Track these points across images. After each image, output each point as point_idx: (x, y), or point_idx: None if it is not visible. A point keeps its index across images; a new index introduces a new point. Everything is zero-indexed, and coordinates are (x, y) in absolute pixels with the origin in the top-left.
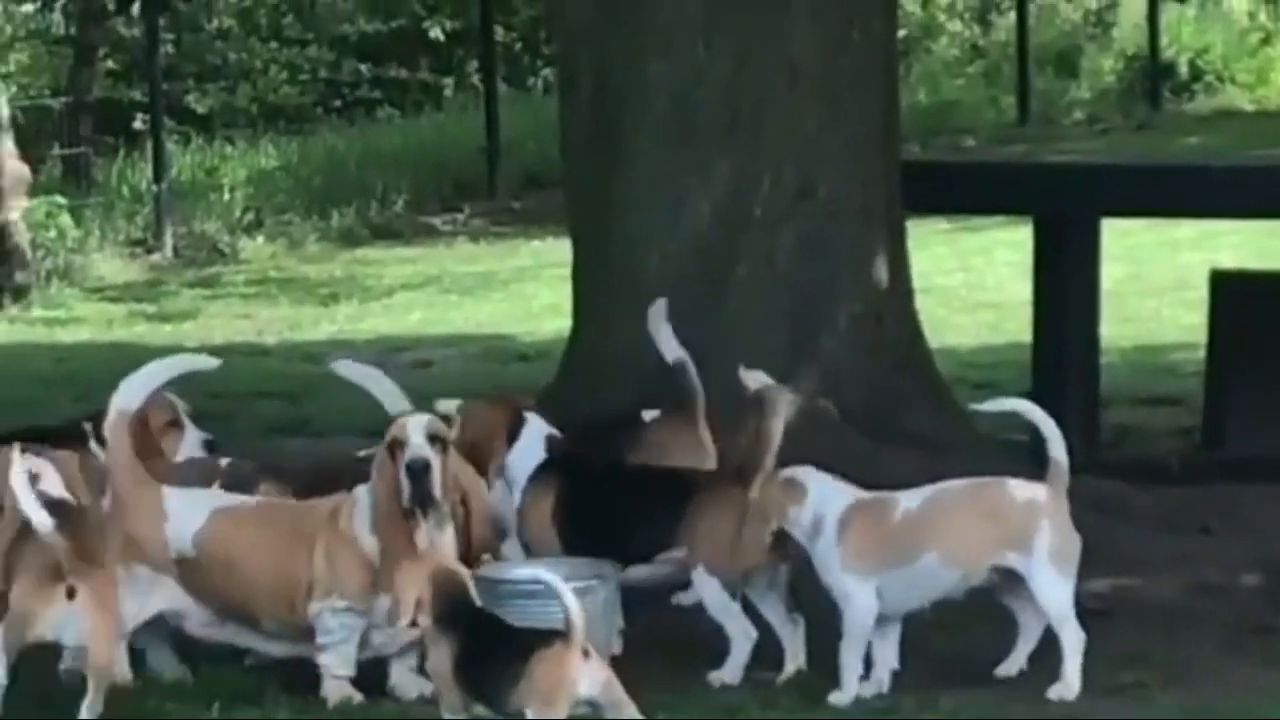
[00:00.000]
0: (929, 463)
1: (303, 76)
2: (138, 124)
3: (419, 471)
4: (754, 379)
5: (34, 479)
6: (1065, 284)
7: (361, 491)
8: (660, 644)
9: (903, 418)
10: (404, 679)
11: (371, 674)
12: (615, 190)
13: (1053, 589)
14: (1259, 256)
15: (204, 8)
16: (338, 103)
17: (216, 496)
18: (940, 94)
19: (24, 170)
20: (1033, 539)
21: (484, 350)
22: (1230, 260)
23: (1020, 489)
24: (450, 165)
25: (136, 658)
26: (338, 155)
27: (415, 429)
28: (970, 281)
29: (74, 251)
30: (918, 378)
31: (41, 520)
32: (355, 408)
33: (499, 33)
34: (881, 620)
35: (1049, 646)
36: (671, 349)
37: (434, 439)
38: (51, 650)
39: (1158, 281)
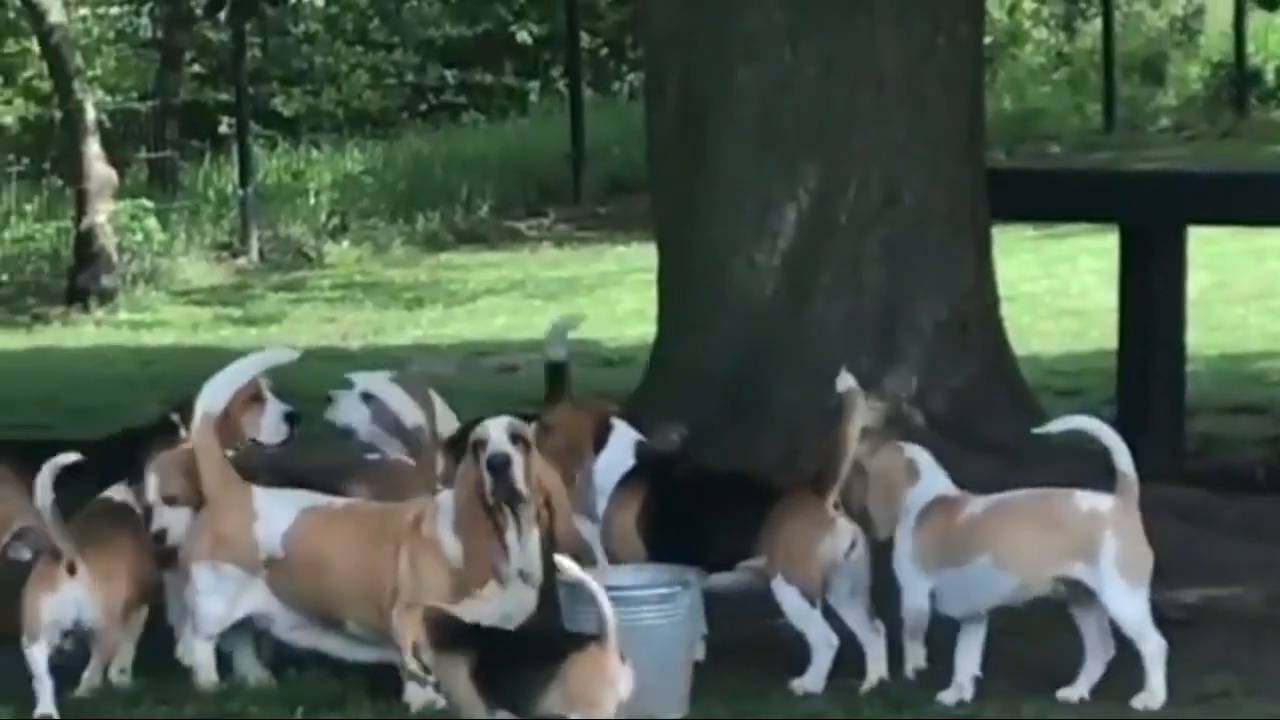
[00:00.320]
0: (1013, 471)
1: (388, 81)
2: (224, 128)
3: (500, 466)
4: (843, 382)
5: None
6: (1151, 292)
7: (445, 496)
8: (743, 651)
9: (987, 425)
10: None
11: None
12: (700, 196)
13: (1123, 600)
14: None
15: (291, 12)
16: (423, 107)
17: (305, 497)
18: (1026, 101)
19: (110, 174)
20: (1098, 551)
21: (568, 355)
22: None
23: (1085, 500)
24: (535, 170)
25: (222, 661)
26: (423, 160)
27: (496, 428)
28: (1055, 289)
29: (160, 255)
30: (1002, 385)
31: (42, 498)
32: None
33: (585, 37)
34: (963, 624)
35: (1131, 654)
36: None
37: (515, 438)
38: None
39: (1244, 289)
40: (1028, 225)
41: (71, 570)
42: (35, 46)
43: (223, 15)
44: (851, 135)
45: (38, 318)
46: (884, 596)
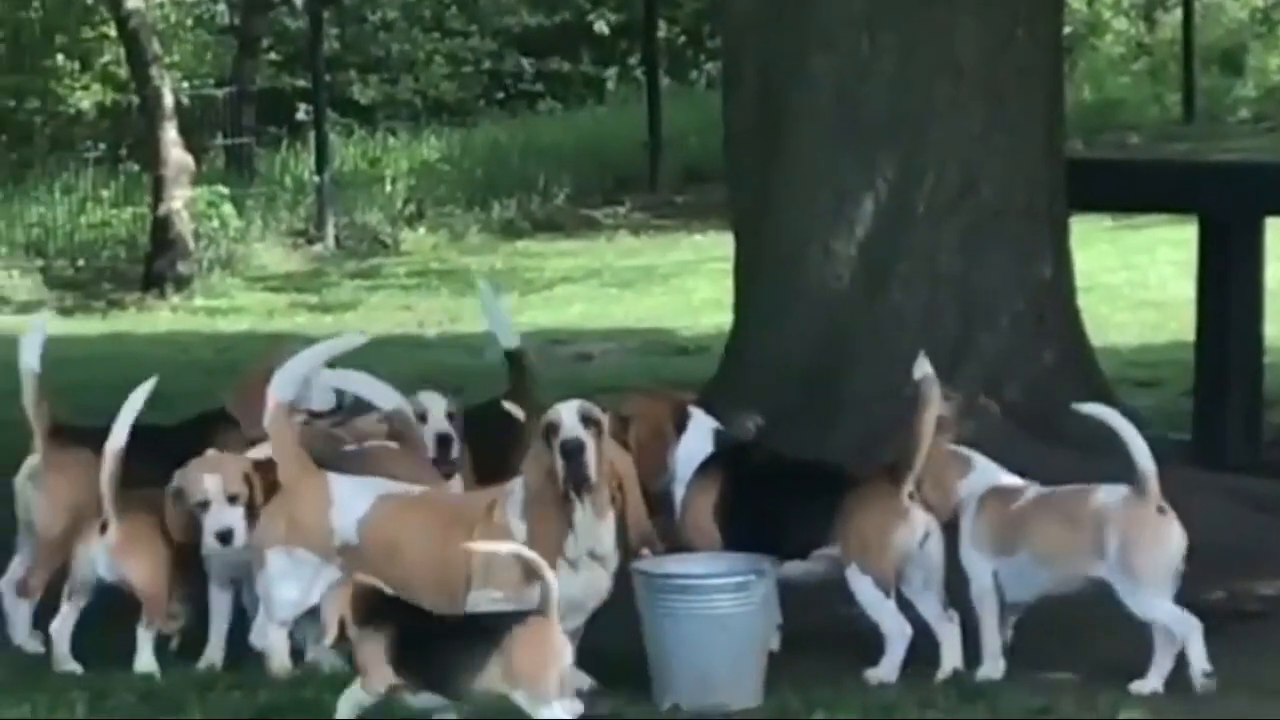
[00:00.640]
0: (1088, 462)
1: (466, 69)
2: (301, 115)
3: (574, 451)
4: (920, 368)
5: None
6: (1229, 283)
7: (516, 483)
8: (817, 641)
9: (1063, 417)
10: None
11: None
12: (777, 186)
13: (1133, 597)
14: None
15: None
16: (500, 95)
17: (381, 484)
18: (1105, 91)
19: (187, 160)
20: (1105, 548)
21: (644, 344)
22: None
23: (1096, 498)
24: (612, 158)
25: (296, 647)
26: (500, 147)
27: (568, 412)
28: (1133, 280)
29: (236, 241)
30: (1080, 376)
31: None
32: None
33: (662, 26)
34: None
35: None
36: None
37: (587, 421)
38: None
39: None
40: (1106, 216)
41: (103, 529)
42: (113, 32)
43: (300, 2)
44: (929, 125)
45: (114, 303)
46: (959, 588)
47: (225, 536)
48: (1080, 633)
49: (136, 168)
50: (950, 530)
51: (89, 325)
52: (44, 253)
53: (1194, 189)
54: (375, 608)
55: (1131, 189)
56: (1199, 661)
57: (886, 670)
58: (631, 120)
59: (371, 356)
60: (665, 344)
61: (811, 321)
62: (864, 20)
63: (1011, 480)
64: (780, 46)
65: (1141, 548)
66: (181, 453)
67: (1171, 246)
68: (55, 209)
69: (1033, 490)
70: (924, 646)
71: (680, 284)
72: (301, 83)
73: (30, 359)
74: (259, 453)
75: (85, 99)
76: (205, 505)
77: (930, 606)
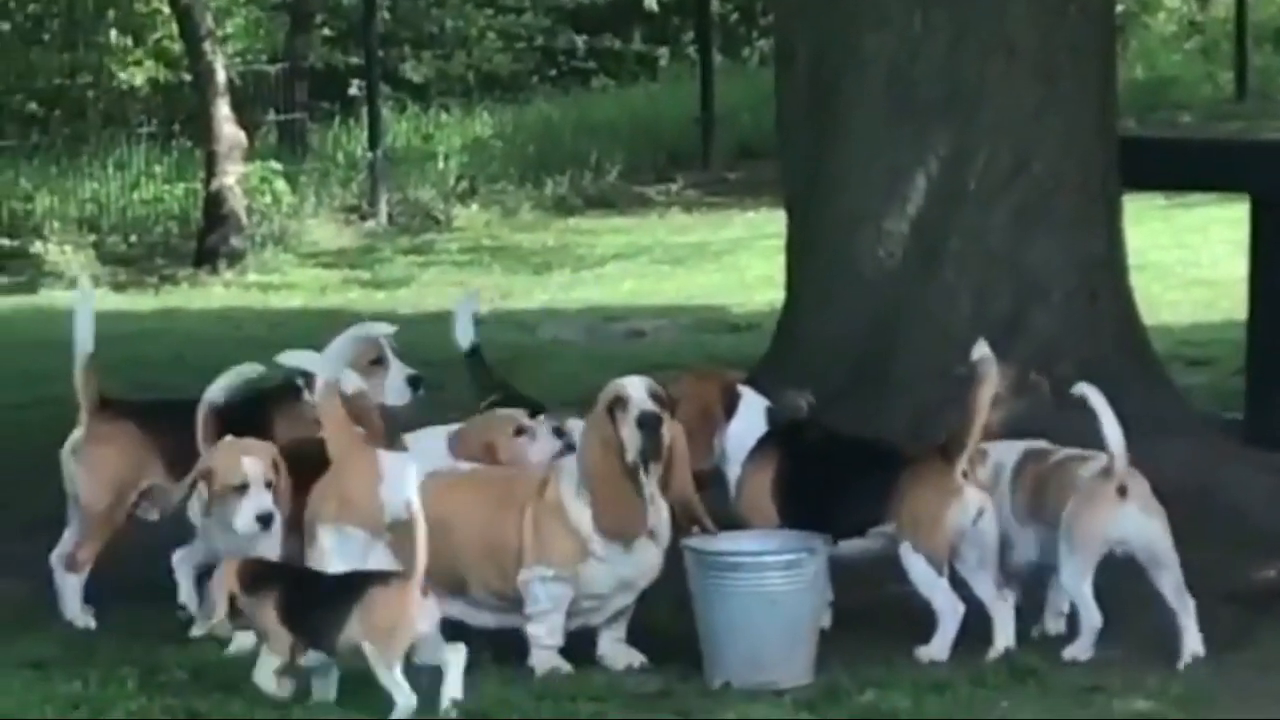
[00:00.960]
0: (1141, 440)
1: (518, 45)
2: (353, 90)
3: (652, 424)
4: (978, 350)
5: None
6: None
7: (568, 460)
8: (869, 618)
9: (1115, 395)
10: (612, 649)
11: (580, 644)
12: (830, 163)
13: (1065, 565)
14: None
15: None
16: (553, 72)
17: (432, 460)
18: (1157, 70)
19: (240, 136)
20: (1063, 516)
21: (696, 321)
22: None
23: (1074, 468)
24: (664, 135)
25: None
26: (552, 124)
27: (637, 387)
28: (1186, 258)
29: (289, 217)
30: (1132, 354)
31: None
32: (568, 376)
33: (715, 3)
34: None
35: (1266, 627)
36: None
37: (654, 397)
38: None
39: None
40: (1158, 194)
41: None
42: (166, 8)
43: None
44: (981, 104)
45: (166, 279)
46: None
47: (267, 519)
48: (1128, 610)
49: (189, 144)
50: None
51: (142, 301)
52: (97, 229)
53: (1246, 168)
54: (260, 575)
55: (1183, 168)
56: (1081, 649)
57: (938, 648)
58: (684, 97)
59: (423, 333)
60: (717, 321)
61: (863, 300)
62: None
63: (1036, 444)
64: (832, 25)
65: (1084, 522)
66: (241, 429)
67: (1224, 225)
68: (108, 185)
69: (1061, 454)
70: (975, 624)
71: (733, 261)
72: (354, 59)
73: (83, 335)
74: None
75: (138, 75)
76: (243, 488)
77: (984, 585)
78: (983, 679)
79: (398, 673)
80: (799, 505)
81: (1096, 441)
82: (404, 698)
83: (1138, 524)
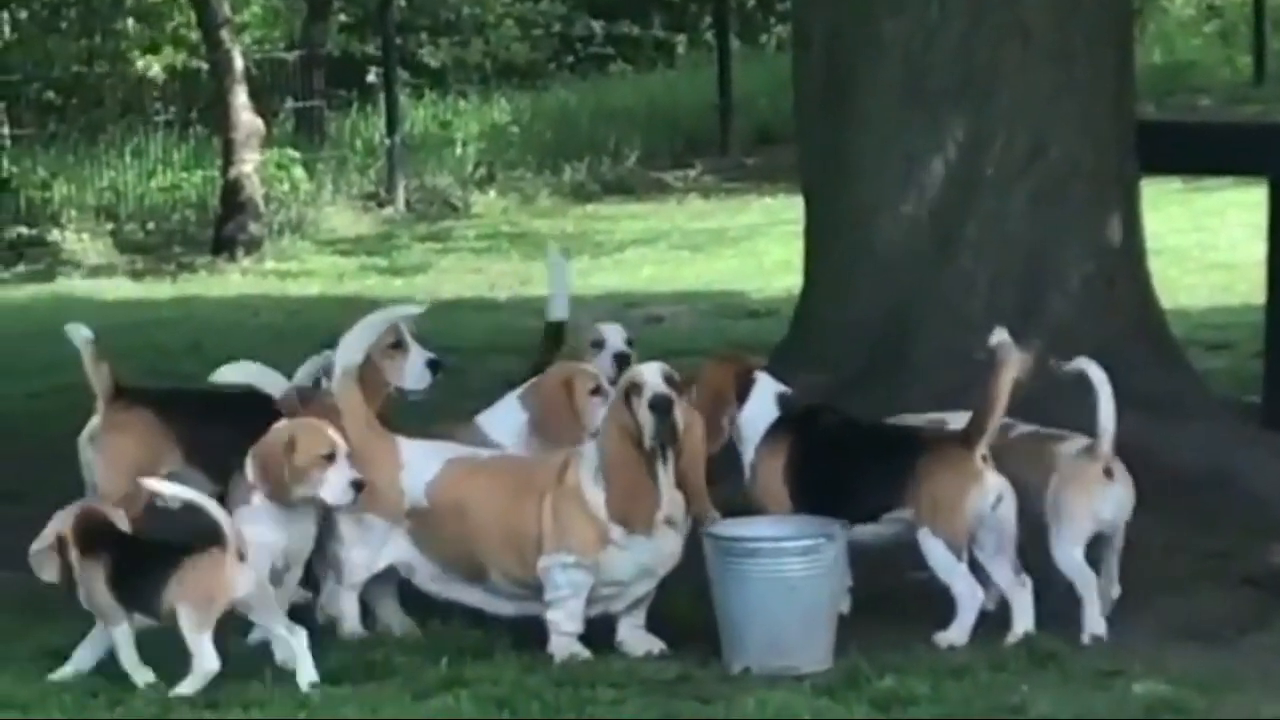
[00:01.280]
0: (1159, 424)
1: (536, 32)
2: (371, 78)
3: (664, 408)
4: (997, 335)
5: None
6: None
7: (588, 446)
8: (888, 603)
9: (1134, 379)
10: (631, 635)
11: (599, 631)
12: (847, 149)
13: (1054, 541)
14: None
15: None
16: (570, 58)
17: (450, 448)
18: (1175, 54)
19: (258, 123)
20: (1046, 491)
21: (715, 306)
22: None
23: (1056, 446)
24: (682, 121)
25: (366, 611)
26: (570, 111)
27: (652, 372)
28: (1203, 242)
29: (306, 204)
30: (1149, 339)
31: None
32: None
33: None
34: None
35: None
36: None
37: (669, 381)
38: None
39: None
40: (1176, 178)
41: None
42: None
43: None
44: (998, 89)
45: (184, 266)
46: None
47: (359, 485)
48: (1149, 594)
49: (207, 131)
50: None
51: (159, 289)
52: (115, 216)
53: (1265, 151)
54: (96, 534)
55: (1202, 151)
56: (1093, 622)
57: (957, 633)
58: (702, 83)
59: (442, 319)
60: (736, 306)
61: (880, 285)
62: None
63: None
64: (849, 11)
65: (1071, 497)
66: (249, 417)
67: (1242, 209)
68: (126, 173)
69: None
70: (994, 609)
71: (751, 246)
72: (371, 47)
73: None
74: None
75: (155, 63)
76: (330, 458)
77: (1002, 570)
78: (1002, 664)
79: (207, 640)
80: (813, 491)
81: (1119, 428)
82: (207, 663)
83: (1122, 505)
